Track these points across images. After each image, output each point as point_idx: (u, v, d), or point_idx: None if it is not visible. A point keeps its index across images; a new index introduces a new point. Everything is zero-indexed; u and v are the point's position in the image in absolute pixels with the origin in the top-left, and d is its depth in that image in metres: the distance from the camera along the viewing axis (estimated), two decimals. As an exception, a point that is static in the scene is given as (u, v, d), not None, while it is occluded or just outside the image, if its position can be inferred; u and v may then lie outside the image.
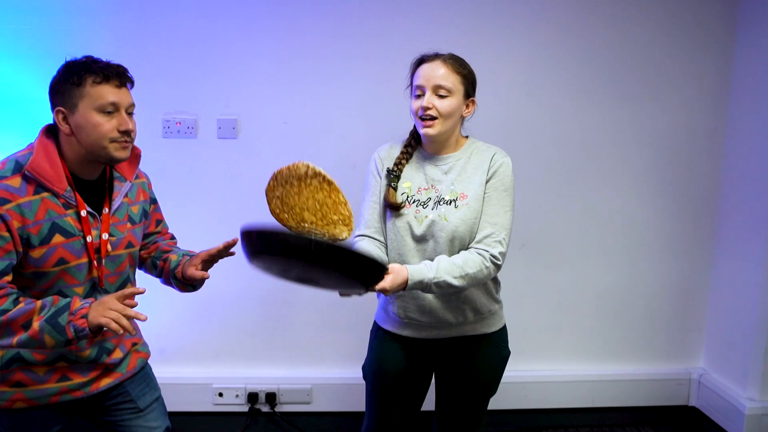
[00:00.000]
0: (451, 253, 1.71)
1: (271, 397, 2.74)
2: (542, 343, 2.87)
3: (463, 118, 1.77)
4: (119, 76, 1.52)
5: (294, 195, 1.55)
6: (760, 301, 2.57)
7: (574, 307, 2.86)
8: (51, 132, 1.54)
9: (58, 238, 1.48)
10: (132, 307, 1.46)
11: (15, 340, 1.41)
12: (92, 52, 2.60)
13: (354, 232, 1.75)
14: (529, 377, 2.85)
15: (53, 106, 1.51)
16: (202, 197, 2.66)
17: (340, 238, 1.55)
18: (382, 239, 1.79)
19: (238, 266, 2.67)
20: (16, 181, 1.44)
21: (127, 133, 1.52)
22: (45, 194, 1.47)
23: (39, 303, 1.43)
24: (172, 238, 1.92)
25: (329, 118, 2.64)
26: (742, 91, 2.70)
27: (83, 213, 1.51)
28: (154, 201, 1.82)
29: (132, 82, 1.57)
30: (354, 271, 1.42)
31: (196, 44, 2.57)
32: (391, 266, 1.59)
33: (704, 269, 2.89)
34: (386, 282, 1.55)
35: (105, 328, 1.41)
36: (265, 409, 2.76)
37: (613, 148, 2.76)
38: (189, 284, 1.75)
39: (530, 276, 2.82)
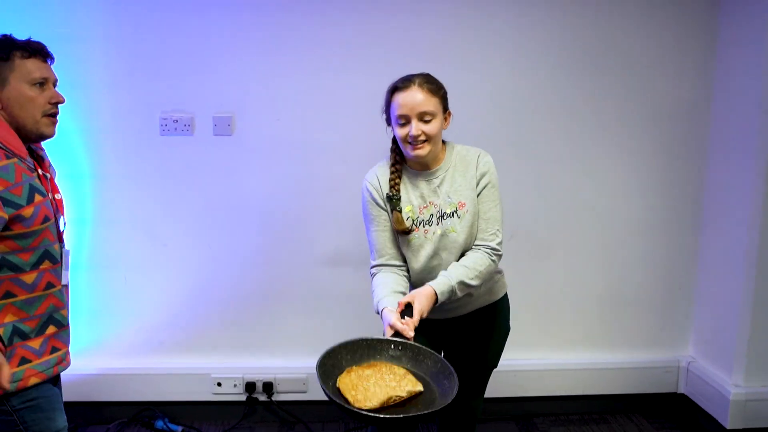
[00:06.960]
0: (459, 259, 1.84)
1: (268, 387, 2.81)
2: (533, 332, 2.92)
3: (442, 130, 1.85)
4: (43, 51, 1.58)
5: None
6: (743, 288, 2.62)
7: (564, 297, 2.91)
8: None
9: (38, 198, 1.55)
10: None
11: None
12: (90, 54, 2.66)
13: (370, 263, 1.88)
14: (521, 366, 2.90)
15: None
16: (198, 192, 2.72)
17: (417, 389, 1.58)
18: (398, 262, 1.87)
19: (234, 259, 2.76)
20: None
21: (57, 106, 1.59)
22: (14, 159, 1.52)
23: None
24: None
25: (321, 114, 2.70)
26: (727, 75, 2.71)
27: (41, 173, 1.60)
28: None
29: (53, 58, 1.63)
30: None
31: (191, 43, 2.62)
32: (412, 294, 1.70)
33: (691, 257, 2.93)
34: (416, 314, 1.64)
35: None
36: (263, 398, 2.83)
37: (597, 138, 2.80)
38: None
39: (519, 266, 2.84)
